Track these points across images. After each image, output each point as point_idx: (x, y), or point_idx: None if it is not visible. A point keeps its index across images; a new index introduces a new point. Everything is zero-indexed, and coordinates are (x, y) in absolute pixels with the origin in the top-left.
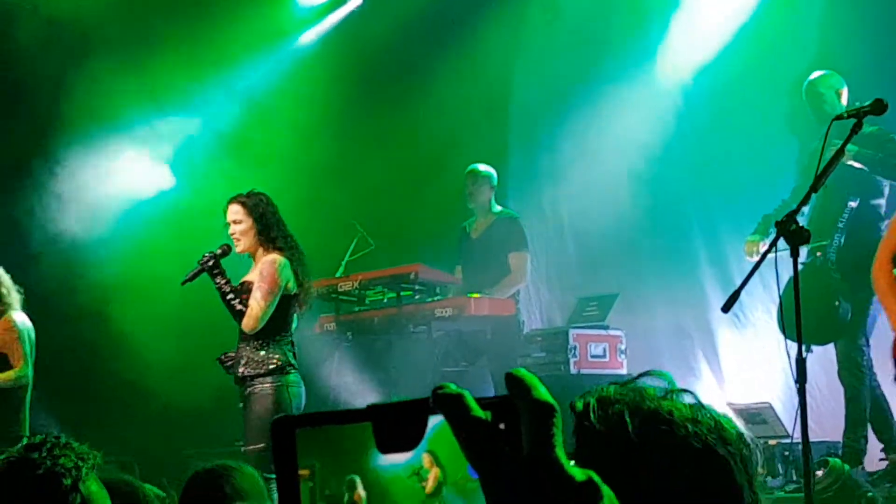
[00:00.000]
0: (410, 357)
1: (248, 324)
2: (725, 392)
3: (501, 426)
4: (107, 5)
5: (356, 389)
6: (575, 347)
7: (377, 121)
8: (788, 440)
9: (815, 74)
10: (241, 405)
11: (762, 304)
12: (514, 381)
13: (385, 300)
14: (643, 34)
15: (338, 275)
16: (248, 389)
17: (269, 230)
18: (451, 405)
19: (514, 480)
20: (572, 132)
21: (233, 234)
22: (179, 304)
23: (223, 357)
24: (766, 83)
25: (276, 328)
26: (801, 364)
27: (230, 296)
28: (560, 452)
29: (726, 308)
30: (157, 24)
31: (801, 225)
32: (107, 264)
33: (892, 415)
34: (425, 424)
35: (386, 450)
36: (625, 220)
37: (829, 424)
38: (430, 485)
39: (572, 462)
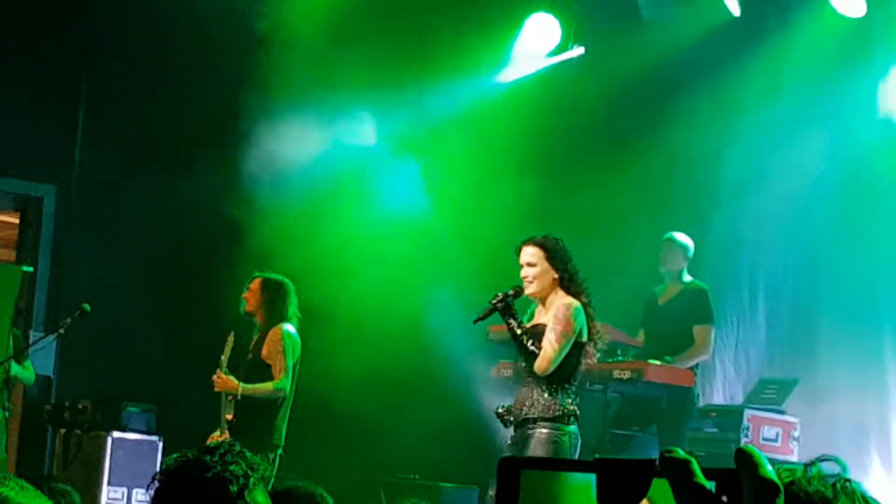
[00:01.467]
0: (583, 414)
1: (541, 365)
2: (893, 495)
3: (724, 499)
4: None
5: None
6: (748, 428)
7: (585, 174)
8: None
9: None
10: (507, 444)
11: None
12: (742, 456)
13: None
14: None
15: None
16: (529, 432)
17: (566, 275)
18: (677, 469)
19: None
20: (778, 208)
21: (525, 277)
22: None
23: (501, 410)
24: None
25: (564, 375)
26: None
27: (524, 337)
28: None
29: None
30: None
31: None
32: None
33: None
34: (649, 484)
35: (606, 502)
36: (820, 303)
37: None
38: None
39: None
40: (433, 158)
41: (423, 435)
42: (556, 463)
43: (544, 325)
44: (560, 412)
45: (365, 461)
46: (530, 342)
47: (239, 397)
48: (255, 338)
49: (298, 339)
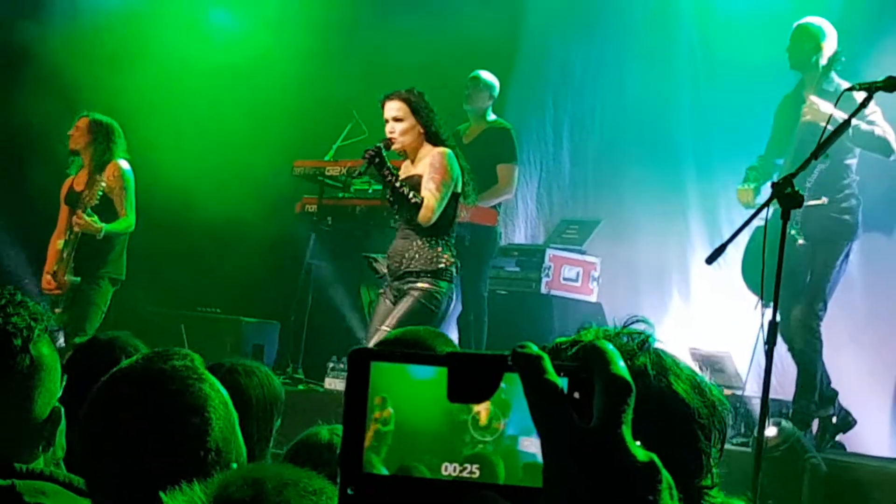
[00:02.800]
0: (385, 251)
1: (424, 215)
2: (692, 335)
3: (576, 395)
4: None
5: (326, 273)
6: (549, 268)
7: (389, 14)
8: (741, 392)
9: (804, 20)
10: (381, 295)
11: None
12: (594, 353)
13: (370, 191)
14: None
15: (327, 158)
16: (410, 284)
17: (433, 126)
18: (528, 365)
19: (576, 451)
20: (584, 55)
21: (392, 132)
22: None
23: (376, 264)
24: (777, 24)
25: (444, 226)
26: (773, 327)
27: (403, 188)
28: (627, 431)
29: (710, 260)
30: None
31: (795, 189)
32: None
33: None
34: (499, 380)
35: (456, 399)
36: (624, 147)
37: (787, 382)
38: (483, 417)
39: (637, 443)
40: None
41: (224, 269)
42: (407, 356)
43: (419, 176)
44: (442, 265)
45: (169, 295)
46: (410, 193)
47: (100, 237)
48: (86, 177)
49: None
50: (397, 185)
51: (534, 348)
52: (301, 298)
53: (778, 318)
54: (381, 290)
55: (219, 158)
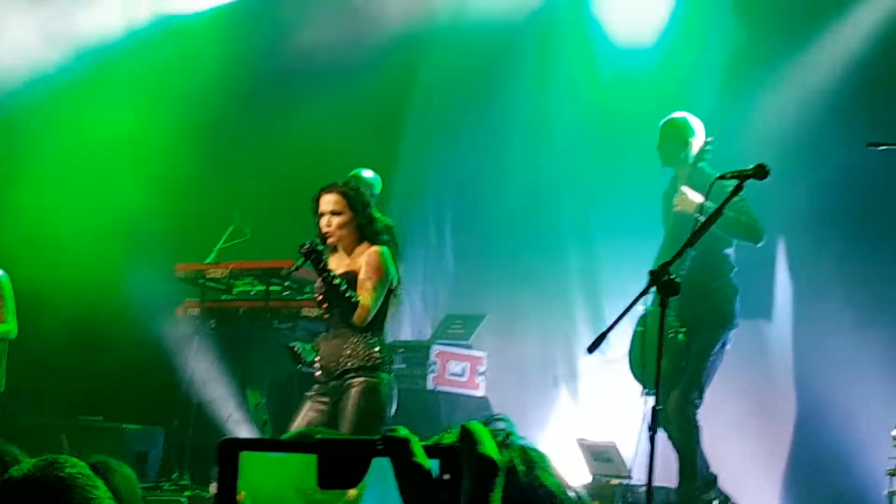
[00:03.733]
0: (270, 353)
1: (361, 315)
2: (579, 426)
3: (446, 476)
4: None
5: (211, 377)
6: (435, 363)
7: (272, 113)
8: (629, 481)
9: (672, 115)
10: (322, 397)
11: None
12: (464, 434)
13: (253, 292)
14: (544, 53)
15: (208, 260)
16: (349, 381)
17: (371, 222)
18: (397, 448)
19: None
20: (464, 151)
21: (329, 225)
22: None
23: (296, 348)
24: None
25: (379, 322)
26: (655, 414)
27: (342, 286)
28: None
29: (591, 349)
30: None
31: (672, 277)
32: None
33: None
34: (368, 464)
35: (326, 485)
36: (506, 240)
37: (671, 470)
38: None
39: None
40: None
41: (108, 376)
42: (276, 444)
43: (355, 273)
44: (379, 360)
45: (50, 403)
46: (349, 292)
47: None
48: None
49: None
50: (336, 282)
51: (403, 431)
52: (185, 403)
53: (658, 404)
54: (310, 393)
55: (102, 263)
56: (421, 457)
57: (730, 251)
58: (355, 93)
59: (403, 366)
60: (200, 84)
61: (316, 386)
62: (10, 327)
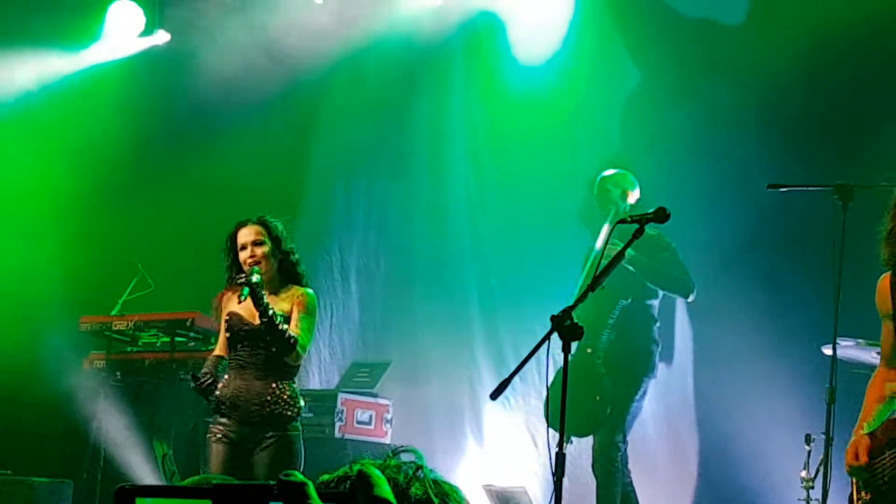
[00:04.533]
0: (177, 403)
1: (298, 355)
2: (487, 472)
3: None
4: None
5: (118, 430)
6: (342, 412)
7: (173, 162)
8: None
9: (607, 172)
10: (228, 439)
11: (535, 390)
12: (360, 477)
13: (158, 344)
14: (445, 102)
15: (113, 313)
16: (269, 434)
17: (289, 256)
18: (293, 493)
19: None
20: (366, 199)
21: (254, 257)
22: None
23: (196, 376)
24: (567, 172)
25: (296, 368)
26: (560, 458)
27: (283, 323)
28: None
29: (494, 396)
30: None
31: (574, 322)
32: None
33: None
34: None
35: None
36: (410, 287)
37: None
38: None
39: None
40: None
41: (14, 430)
42: (171, 490)
43: (285, 313)
44: (298, 408)
45: None
46: (286, 329)
47: None
48: None
49: None
50: (276, 318)
51: (299, 476)
52: (93, 455)
53: (567, 449)
54: (213, 432)
55: (6, 318)
56: (315, 500)
57: (654, 302)
58: (253, 139)
59: (311, 415)
60: (97, 137)
61: (221, 425)
62: None
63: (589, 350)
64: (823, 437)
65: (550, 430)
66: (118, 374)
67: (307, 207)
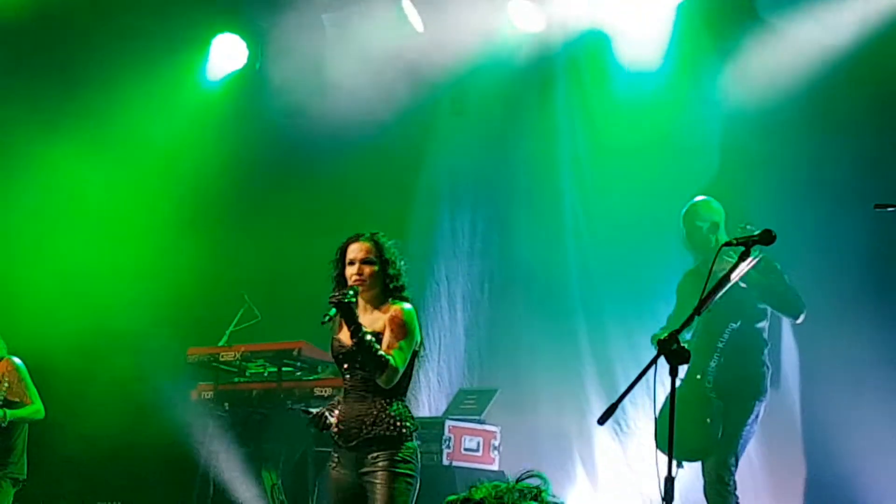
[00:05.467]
0: (285, 433)
1: (390, 377)
2: (599, 499)
3: None
4: None
5: (227, 460)
6: (450, 439)
7: (278, 191)
8: None
9: (696, 200)
10: (343, 469)
11: (645, 414)
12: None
13: (266, 374)
14: (547, 126)
15: (220, 344)
16: (375, 459)
17: (397, 275)
18: None
19: None
20: (471, 225)
21: (361, 275)
22: None
23: (309, 410)
24: (670, 191)
25: (404, 386)
26: (669, 483)
27: (375, 343)
28: None
29: (602, 420)
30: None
31: (681, 345)
32: None
33: None
34: None
35: None
36: (515, 312)
37: None
38: None
39: None
40: None
41: (125, 462)
42: None
43: (377, 332)
44: (407, 429)
45: (68, 489)
46: (379, 350)
47: (5, 424)
48: None
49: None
50: (367, 339)
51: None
52: (202, 486)
53: (676, 473)
54: (330, 462)
55: (113, 348)
56: None
57: (764, 325)
58: (358, 169)
59: (419, 442)
60: (202, 165)
61: (335, 455)
62: (38, 407)
63: (698, 376)
64: None
65: (659, 454)
66: (226, 404)
67: (414, 236)
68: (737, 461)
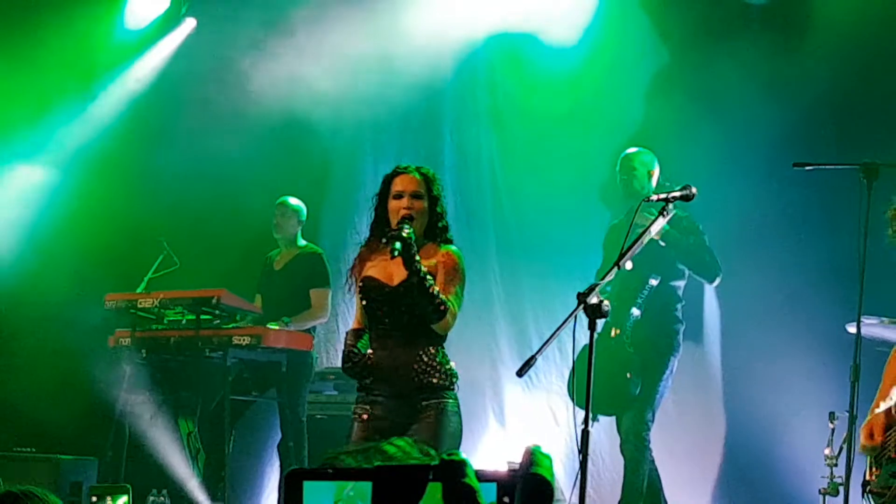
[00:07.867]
0: (202, 381)
1: (448, 323)
2: (509, 451)
3: (506, 499)
4: None
5: (143, 407)
6: None
7: (199, 141)
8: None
9: (631, 150)
10: (382, 420)
11: (556, 369)
12: (526, 455)
13: (184, 321)
14: (471, 91)
15: (139, 290)
16: (425, 404)
17: (445, 214)
18: (448, 470)
19: None
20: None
21: (411, 208)
22: None
23: (358, 353)
24: (592, 151)
25: (446, 334)
26: (585, 435)
27: (433, 286)
28: None
29: (521, 373)
30: None
31: (601, 299)
32: None
33: (663, 494)
34: (424, 489)
35: None
36: None
37: (607, 493)
38: None
39: None
40: None
41: (38, 407)
42: (338, 473)
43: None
44: (451, 376)
45: None
46: (438, 292)
47: None
48: None
49: None
50: (427, 279)
51: (459, 455)
52: (117, 433)
53: (592, 427)
54: (358, 412)
55: (34, 295)
56: (472, 479)
57: (681, 283)
58: (284, 119)
59: (335, 392)
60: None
61: (368, 403)
62: None
63: (617, 330)
64: (847, 414)
65: (576, 408)
66: (143, 351)
67: (333, 183)
68: (654, 416)
